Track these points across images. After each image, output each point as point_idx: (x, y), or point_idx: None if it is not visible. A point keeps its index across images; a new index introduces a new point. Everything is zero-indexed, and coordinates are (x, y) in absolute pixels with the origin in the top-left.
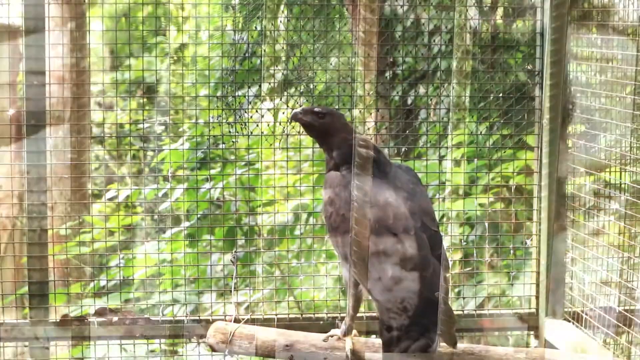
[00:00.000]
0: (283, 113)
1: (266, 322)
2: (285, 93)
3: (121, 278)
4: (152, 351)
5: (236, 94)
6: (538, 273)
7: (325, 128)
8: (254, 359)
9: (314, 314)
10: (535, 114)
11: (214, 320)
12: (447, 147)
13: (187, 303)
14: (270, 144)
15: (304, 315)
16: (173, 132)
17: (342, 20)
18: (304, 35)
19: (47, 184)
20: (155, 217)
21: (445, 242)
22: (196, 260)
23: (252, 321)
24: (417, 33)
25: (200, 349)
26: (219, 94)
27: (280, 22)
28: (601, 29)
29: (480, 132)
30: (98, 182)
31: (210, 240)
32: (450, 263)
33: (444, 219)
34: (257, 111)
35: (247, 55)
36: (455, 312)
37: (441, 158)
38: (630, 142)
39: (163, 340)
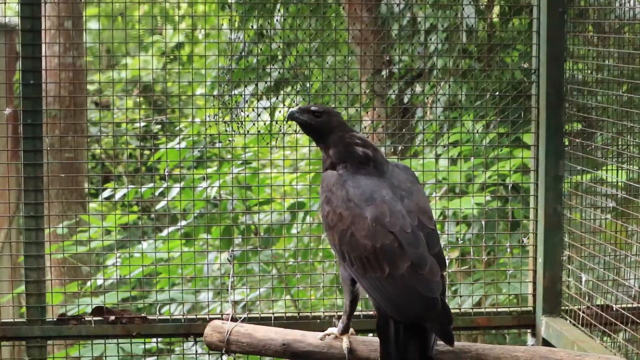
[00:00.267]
0: (279, 112)
1: (263, 321)
2: (282, 92)
3: (118, 277)
4: (148, 350)
5: (233, 93)
6: (535, 271)
7: (322, 127)
8: (250, 358)
9: (311, 312)
10: (531, 113)
11: (210, 319)
12: (443, 146)
13: (183, 302)
14: (267, 143)
15: (301, 314)
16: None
17: (338, 18)
18: (300, 33)
19: (44, 183)
20: (152, 216)
21: (442, 241)
22: (193, 259)
23: (249, 320)
24: (413, 31)
25: (197, 348)
26: (215, 92)
27: (277, 20)
28: (597, 27)
29: (477, 131)
30: (95, 181)
31: (207, 239)
32: (447, 261)
33: (441, 218)
34: (253, 110)
35: (243, 54)
36: (452, 311)
37: (438, 156)
38: (627, 140)
39: (160, 339)
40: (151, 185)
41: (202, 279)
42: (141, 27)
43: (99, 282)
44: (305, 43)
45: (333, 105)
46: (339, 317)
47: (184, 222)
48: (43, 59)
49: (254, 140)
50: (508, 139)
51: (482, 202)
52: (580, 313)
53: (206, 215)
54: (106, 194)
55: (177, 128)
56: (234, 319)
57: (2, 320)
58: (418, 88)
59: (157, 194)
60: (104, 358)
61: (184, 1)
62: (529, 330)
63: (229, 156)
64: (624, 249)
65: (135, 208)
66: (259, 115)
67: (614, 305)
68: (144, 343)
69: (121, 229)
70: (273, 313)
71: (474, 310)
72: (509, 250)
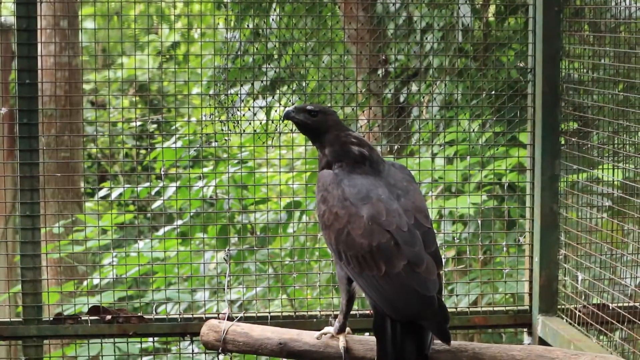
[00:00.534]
0: (275, 111)
1: (259, 320)
2: (278, 91)
3: (114, 276)
4: (145, 349)
5: (229, 92)
6: (531, 270)
7: (318, 126)
8: (247, 357)
9: (307, 311)
10: (527, 112)
11: (207, 319)
12: (439, 145)
13: (180, 301)
14: (263, 142)
15: (297, 313)
16: (166, 130)
17: (334, 18)
18: (296, 33)
19: (40, 182)
20: (148, 215)
21: (439, 240)
22: (189, 258)
23: (246, 319)
24: (409, 30)
25: (193, 347)
26: (211, 92)
27: (273, 20)
28: (593, 26)
29: (473, 130)
30: (91, 181)
31: (203, 238)
32: (444, 260)
33: (437, 217)
34: (249, 109)
35: (239, 53)
36: (448, 310)
37: (434, 156)
38: (623, 139)
39: (156, 339)
40: (147, 184)
41: (199, 279)
42: (137, 27)
43: (95, 281)
44: (301, 42)
45: (329, 105)
46: (336, 316)
47: (180, 222)
48: (39, 58)
49: (250, 139)
50: (504, 138)
51: (478, 201)
52: (577, 312)
53: (202, 214)
54: (102, 193)
55: (173, 127)
56: (230, 318)
57: None
58: (414, 87)
59: (153, 193)
60: (100, 357)
61: (179, 0)
62: (525, 329)
63: (225, 155)
64: (620, 248)
65: (131, 207)
66: (255, 114)
67: (610, 304)
68: (141, 342)
69: (117, 229)
70: (269, 312)
71: (471, 309)
72: (505, 249)
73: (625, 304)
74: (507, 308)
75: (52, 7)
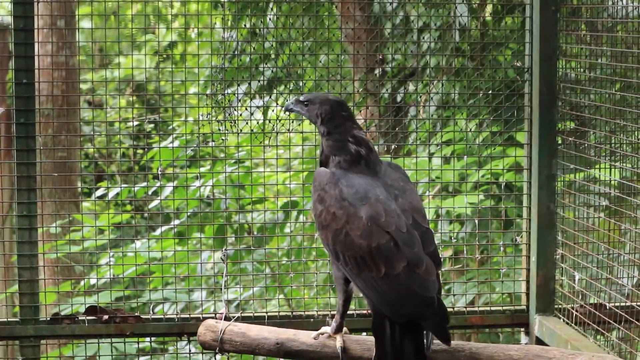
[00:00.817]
0: (272, 110)
1: (257, 320)
2: (275, 90)
3: (111, 276)
4: (142, 349)
5: (226, 92)
6: (528, 270)
7: (310, 116)
8: (244, 357)
9: (304, 311)
10: (524, 111)
11: (204, 318)
12: (436, 145)
13: (177, 301)
14: (260, 142)
15: (294, 313)
16: (162, 130)
17: (331, 17)
18: (293, 32)
19: (37, 182)
20: (145, 215)
21: (436, 240)
22: (186, 258)
23: (243, 319)
24: (406, 30)
25: (190, 347)
26: (208, 91)
27: (270, 19)
28: (590, 25)
29: (470, 130)
30: (88, 180)
31: (201, 238)
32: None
33: (434, 216)
34: (246, 109)
35: (236, 52)
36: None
37: (431, 155)
38: (620, 138)
39: (153, 339)
40: (144, 184)
41: (196, 278)
42: (134, 26)
43: (92, 281)
44: (298, 42)
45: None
46: (333, 316)
47: (177, 221)
48: (36, 58)
49: (247, 139)
50: (501, 137)
51: (475, 201)
52: (574, 312)
53: (199, 214)
54: (99, 193)
55: (170, 127)
56: (227, 318)
57: None
58: (411, 87)
59: (150, 193)
60: (97, 357)
61: (176, 0)
62: (522, 329)
63: (223, 155)
64: (617, 248)
65: (128, 207)
66: (252, 114)
67: (607, 304)
68: (138, 342)
69: (114, 228)
70: (266, 312)
71: (468, 309)
72: (502, 249)
73: (622, 304)
74: (505, 308)
75: (49, 7)
